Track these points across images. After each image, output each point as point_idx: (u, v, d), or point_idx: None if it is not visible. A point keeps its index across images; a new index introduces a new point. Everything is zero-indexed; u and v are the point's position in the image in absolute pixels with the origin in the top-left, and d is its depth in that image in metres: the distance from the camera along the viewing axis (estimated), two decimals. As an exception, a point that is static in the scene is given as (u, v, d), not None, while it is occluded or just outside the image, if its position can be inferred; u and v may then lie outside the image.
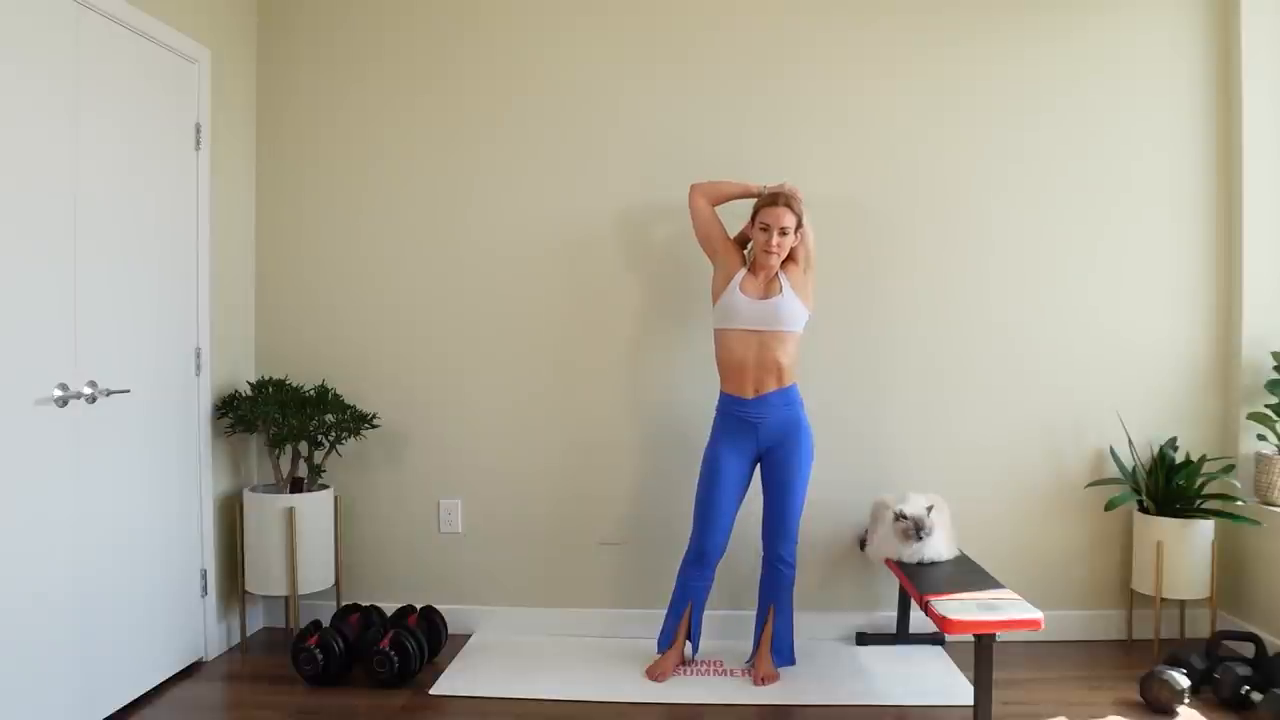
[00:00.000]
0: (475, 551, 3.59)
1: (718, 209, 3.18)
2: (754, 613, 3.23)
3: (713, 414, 3.16)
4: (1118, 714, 2.85)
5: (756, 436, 3.05)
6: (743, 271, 3.06)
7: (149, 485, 2.98)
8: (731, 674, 3.15)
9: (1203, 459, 3.33)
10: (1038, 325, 3.48)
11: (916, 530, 3.00)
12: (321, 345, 3.61)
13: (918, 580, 2.89)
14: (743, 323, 3.02)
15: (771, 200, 2.99)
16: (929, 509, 3.04)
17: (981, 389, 3.49)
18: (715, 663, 3.24)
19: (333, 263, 3.61)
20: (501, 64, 3.54)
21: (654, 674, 3.10)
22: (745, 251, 3.16)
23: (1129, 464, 3.43)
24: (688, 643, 3.19)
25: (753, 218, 3.04)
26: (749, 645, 3.24)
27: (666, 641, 3.17)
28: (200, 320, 3.24)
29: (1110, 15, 3.46)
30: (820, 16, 3.48)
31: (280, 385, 3.43)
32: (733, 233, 3.18)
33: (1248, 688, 2.81)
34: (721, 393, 3.12)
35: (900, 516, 3.05)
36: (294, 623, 3.39)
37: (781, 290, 3.03)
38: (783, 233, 2.97)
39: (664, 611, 3.20)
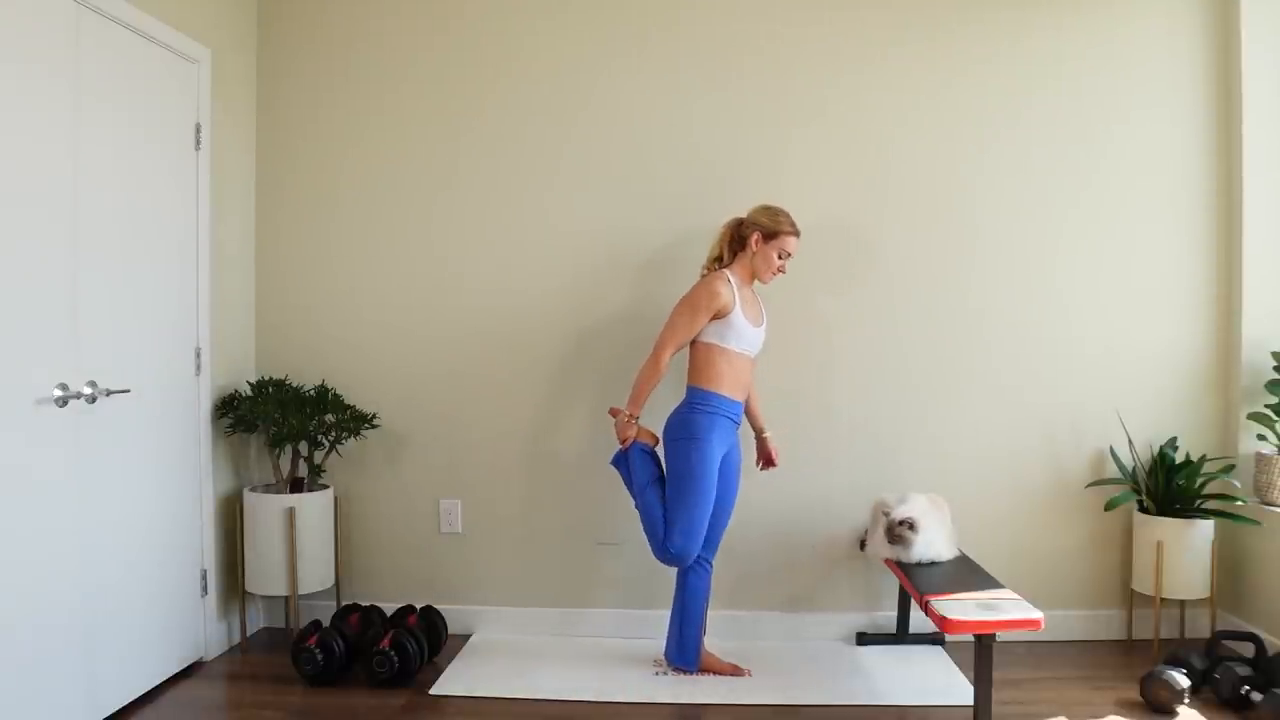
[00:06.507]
0: (475, 551, 3.59)
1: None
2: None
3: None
4: (1118, 714, 2.85)
5: (728, 440, 3.07)
6: (734, 291, 3.01)
7: (149, 485, 2.98)
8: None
9: (1203, 459, 3.33)
10: (1038, 325, 3.48)
11: (890, 532, 3.00)
12: (321, 345, 3.61)
13: (917, 580, 2.89)
14: (749, 347, 3.06)
15: (794, 230, 3.05)
16: (905, 520, 2.99)
17: (981, 389, 3.49)
18: (715, 663, 3.25)
19: (333, 262, 3.61)
20: (505, 67, 3.54)
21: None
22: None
23: (1129, 464, 3.43)
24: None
25: (769, 237, 3.03)
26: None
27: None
28: (200, 320, 3.24)
29: (1106, 14, 3.45)
30: (817, 13, 3.48)
31: (280, 385, 3.43)
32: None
33: (1248, 688, 2.80)
34: (719, 394, 3.02)
35: (884, 515, 3.04)
36: (294, 623, 3.39)
37: (764, 316, 3.14)
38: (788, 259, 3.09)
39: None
